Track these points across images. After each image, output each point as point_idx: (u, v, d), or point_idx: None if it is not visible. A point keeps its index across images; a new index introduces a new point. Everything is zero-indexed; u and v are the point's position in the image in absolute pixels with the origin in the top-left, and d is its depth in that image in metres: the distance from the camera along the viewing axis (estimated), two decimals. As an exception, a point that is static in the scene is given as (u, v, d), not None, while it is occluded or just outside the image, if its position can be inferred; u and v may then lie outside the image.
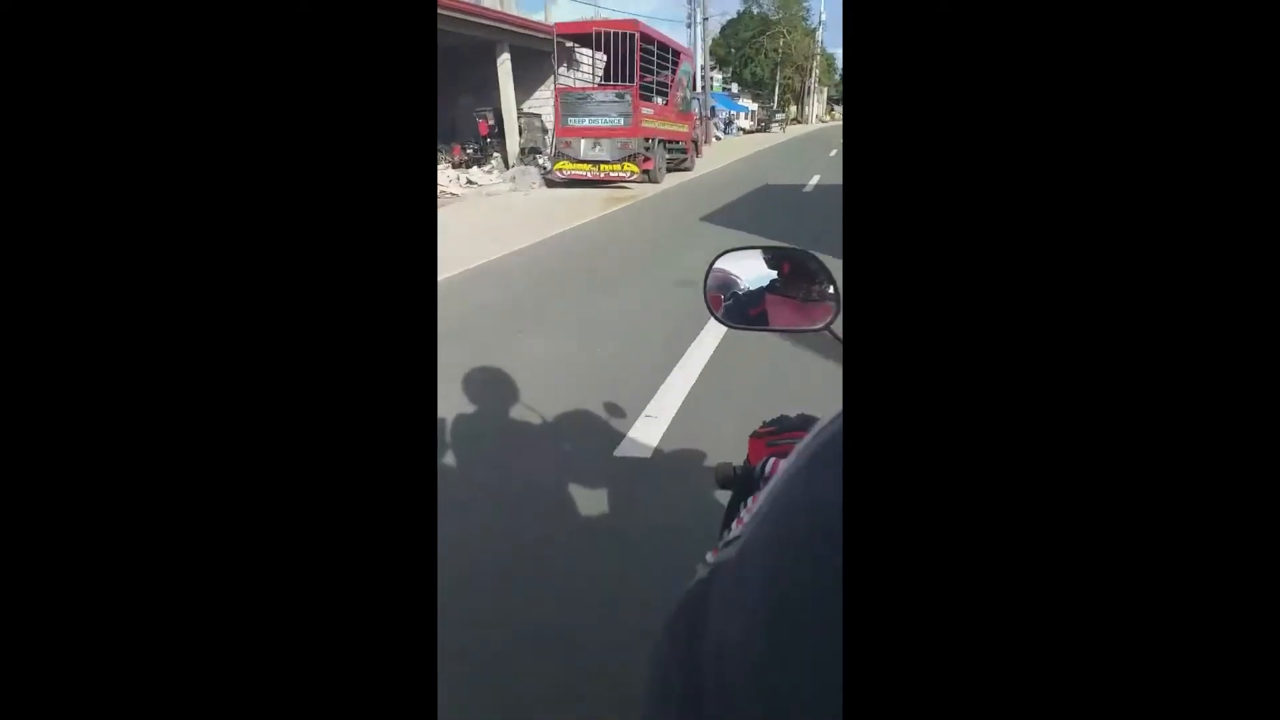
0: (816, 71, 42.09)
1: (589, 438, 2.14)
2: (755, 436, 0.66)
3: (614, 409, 2.23)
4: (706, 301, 0.69)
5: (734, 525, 0.35)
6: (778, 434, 0.65)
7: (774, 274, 0.68)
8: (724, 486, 0.66)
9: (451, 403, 2.32)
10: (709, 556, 0.34)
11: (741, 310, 0.68)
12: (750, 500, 0.42)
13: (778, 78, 38.32)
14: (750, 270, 0.68)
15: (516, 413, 2.37)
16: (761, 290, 0.67)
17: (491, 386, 2.54)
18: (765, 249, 0.69)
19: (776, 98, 39.03)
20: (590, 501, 1.77)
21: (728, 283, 0.68)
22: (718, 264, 0.68)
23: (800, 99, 41.29)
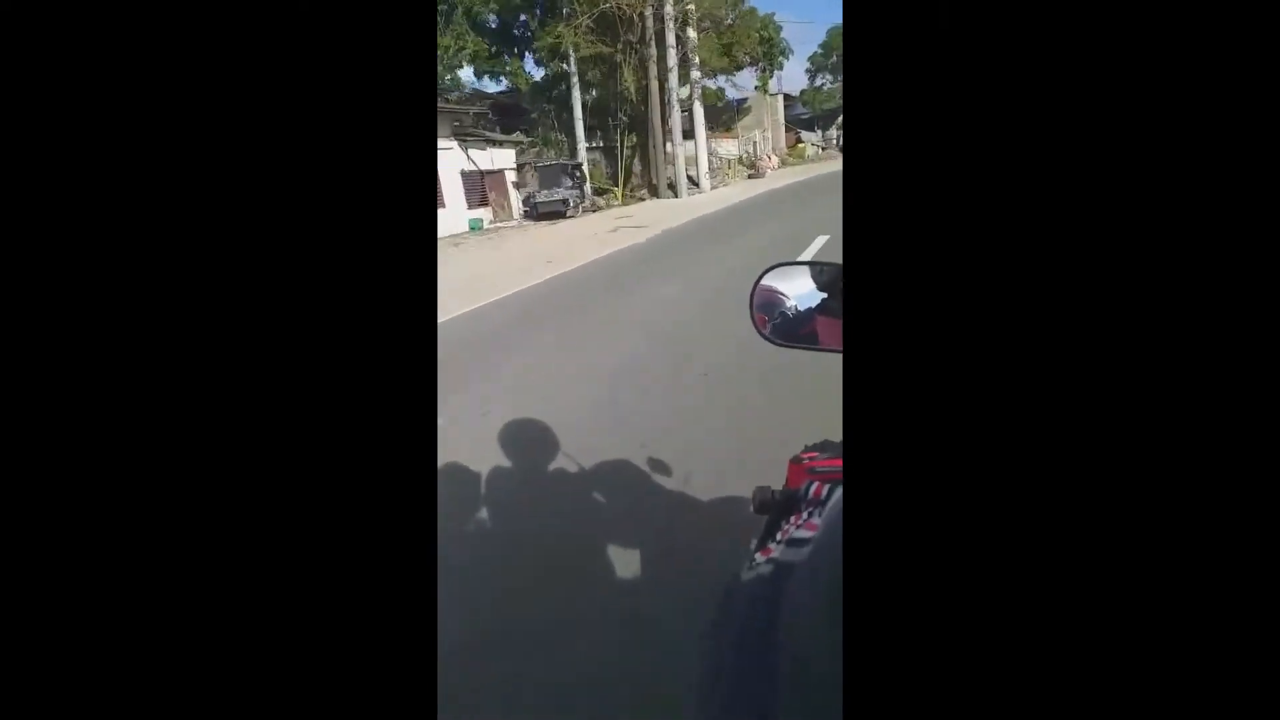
0: (695, 36, 13.30)
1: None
2: (795, 462, 0.69)
3: None
4: (753, 319, 0.70)
5: (771, 544, 0.43)
6: (819, 459, 0.67)
7: (825, 294, 0.66)
8: (761, 511, 0.66)
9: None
10: (758, 557, 0.39)
11: (790, 329, 0.69)
12: (793, 518, 0.48)
13: (571, 63, 11.97)
14: (799, 288, 0.68)
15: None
16: (812, 310, 0.67)
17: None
18: (817, 265, 0.69)
19: (579, 138, 12.62)
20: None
21: (774, 301, 0.69)
22: (764, 281, 0.69)
23: (646, 128, 13.48)
